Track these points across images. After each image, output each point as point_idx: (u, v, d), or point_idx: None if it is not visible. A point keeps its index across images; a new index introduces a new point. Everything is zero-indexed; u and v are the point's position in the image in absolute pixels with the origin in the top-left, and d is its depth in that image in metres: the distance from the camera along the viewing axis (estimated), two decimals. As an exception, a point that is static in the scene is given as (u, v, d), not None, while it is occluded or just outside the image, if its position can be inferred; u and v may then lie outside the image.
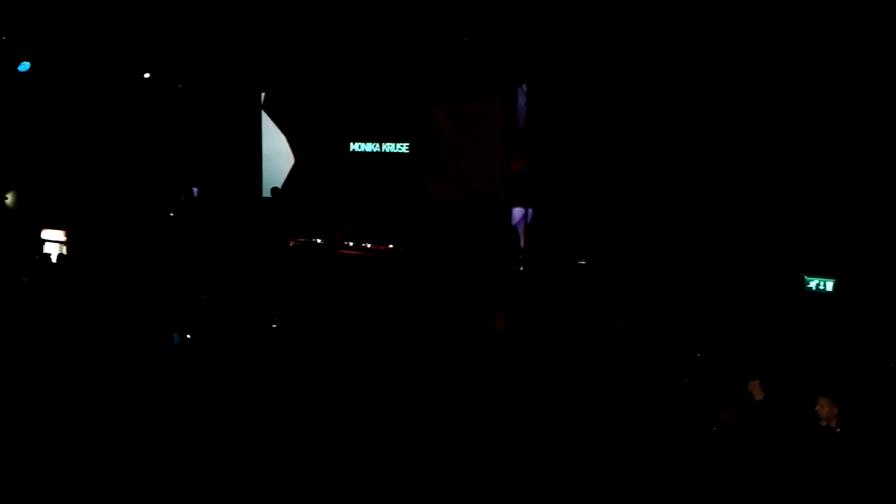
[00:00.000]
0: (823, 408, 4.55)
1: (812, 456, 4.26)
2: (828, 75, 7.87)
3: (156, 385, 5.29)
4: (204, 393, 5.18)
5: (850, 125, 7.85)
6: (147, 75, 11.87)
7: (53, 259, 9.86)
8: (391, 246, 11.10)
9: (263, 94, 12.65)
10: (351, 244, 11.30)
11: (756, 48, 8.17)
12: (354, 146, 11.84)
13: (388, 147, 11.59)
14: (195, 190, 13.02)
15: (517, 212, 10.40)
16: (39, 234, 11.57)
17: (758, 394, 4.81)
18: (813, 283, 7.80)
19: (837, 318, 7.45)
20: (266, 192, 12.49)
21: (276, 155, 12.65)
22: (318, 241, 11.57)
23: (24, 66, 10.39)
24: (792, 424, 4.76)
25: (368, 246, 11.20)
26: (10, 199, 11.60)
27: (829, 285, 7.76)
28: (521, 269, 10.11)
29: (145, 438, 4.45)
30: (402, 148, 11.48)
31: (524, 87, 10.13)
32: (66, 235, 11.41)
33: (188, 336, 6.51)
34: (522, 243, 10.30)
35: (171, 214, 12.60)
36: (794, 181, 8.20)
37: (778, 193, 8.31)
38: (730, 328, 7.25)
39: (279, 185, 12.38)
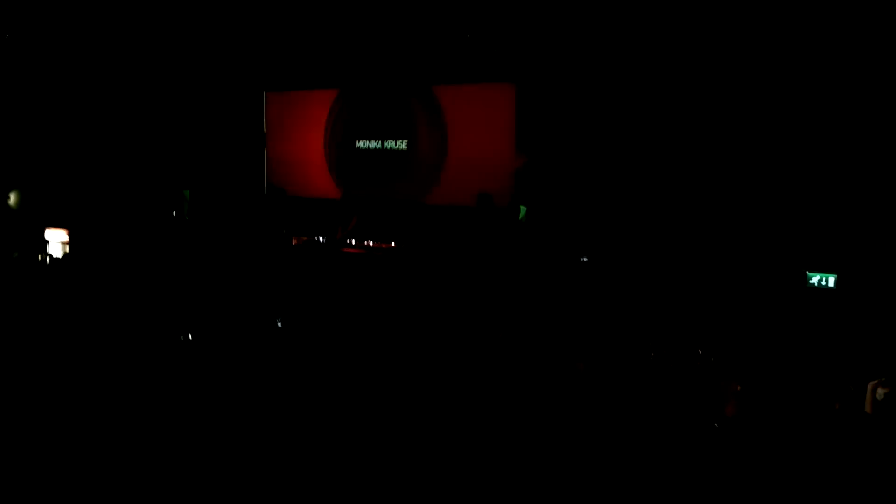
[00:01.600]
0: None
1: (812, 451, 4.27)
2: (830, 71, 7.86)
3: (160, 384, 5.30)
4: (208, 391, 5.19)
5: (851, 121, 7.84)
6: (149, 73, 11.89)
7: (57, 256, 9.89)
8: (393, 244, 11.12)
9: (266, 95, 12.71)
10: (353, 242, 11.32)
11: (760, 44, 8.17)
12: (359, 143, 11.89)
13: (390, 144, 11.62)
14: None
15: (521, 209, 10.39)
16: (42, 233, 11.61)
17: (757, 390, 4.83)
18: (815, 279, 7.80)
19: (839, 313, 7.45)
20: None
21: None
22: (321, 239, 11.59)
23: None
24: (792, 420, 4.78)
25: (371, 244, 11.23)
26: (13, 198, 11.64)
27: (832, 281, 7.75)
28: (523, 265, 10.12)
29: (148, 437, 4.46)
30: (403, 145, 11.50)
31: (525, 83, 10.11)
32: (69, 235, 11.44)
33: (189, 336, 6.52)
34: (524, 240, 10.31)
35: (174, 213, 12.61)
36: (796, 177, 8.20)
37: (780, 189, 8.30)
38: (732, 324, 7.25)
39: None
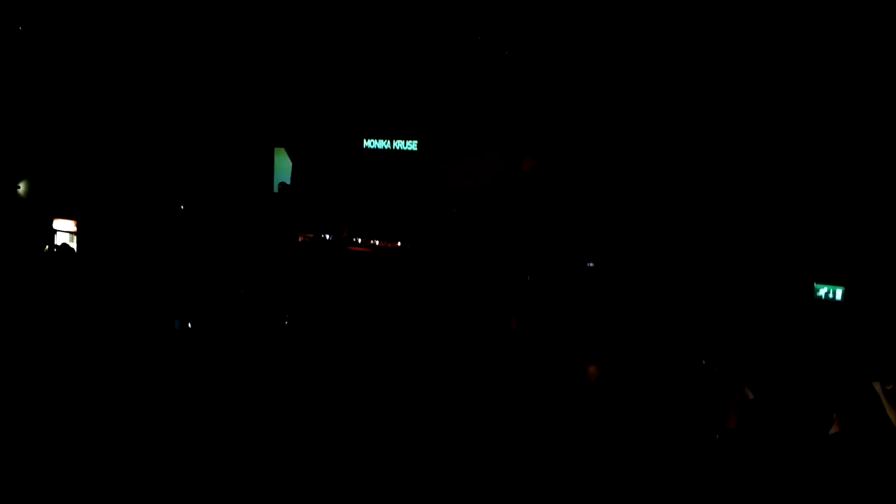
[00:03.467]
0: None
1: (818, 464, 4.22)
2: (840, 84, 7.81)
3: (163, 379, 5.31)
4: (212, 388, 5.19)
5: (861, 134, 7.79)
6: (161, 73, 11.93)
7: (67, 244, 9.90)
8: (399, 243, 11.11)
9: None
10: (359, 241, 11.31)
11: (768, 56, 8.13)
12: (367, 143, 11.88)
13: (399, 144, 11.61)
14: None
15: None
16: (51, 223, 11.65)
17: (762, 400, 4.78)
18: (822, 291, 7.75)
19: (847, 326, 7.39)
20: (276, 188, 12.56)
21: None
22: (327, 236, 11.59)
23: None
24: (797, 432, 4.73)
25: (377, 243, 11.22)
26: (22, 188, 11.69)
27: (839, 293, 7.70)
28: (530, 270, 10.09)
29: (152, 432, 4.46)
30: (412, 146, 11.48)
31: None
32: (77, 226, 11.47)
33: (193, 329, 6.53)
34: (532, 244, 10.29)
35: (182, 207, 12.64)
36: (804, 188, 8.15)
37: (788, 200, 8.26)
38: (737, 335, 7.20)
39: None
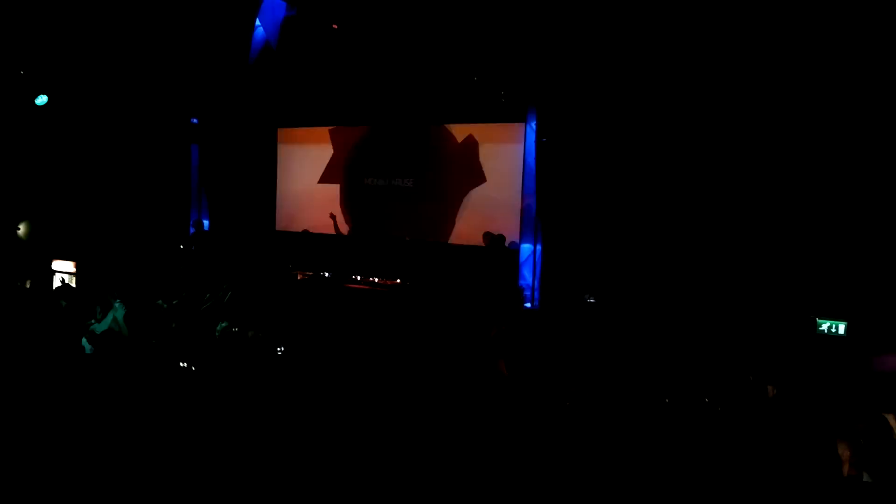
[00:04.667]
0: (841, 451, 4.46)
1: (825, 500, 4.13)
2: (848, 111, 7.82)
3: (155, 411, 5.23)
4: (201, 414, 5.12)
5: (864, 168, 7.79)
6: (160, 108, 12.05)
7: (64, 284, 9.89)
8: (398, 281, 11.08)
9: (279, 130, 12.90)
10: (359, 278, 11.29)
11: (772, 81, 8.14)
12: (368, 181, 12.01)
13: (397, 182, 11.70)
14: (205, 223, 13.10)
15: (526, 248, 10.36)
16: (50, 264, 11.65)
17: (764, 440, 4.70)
18: (825, 326, 7.68)
19: (849, 361, 7.30)
20: (279, 225, 12.71)
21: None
22: (326, 274, 11.57)
23: (42, 100, 10.54)
24: (803, 468, 4.63)
25: (376, 280, 11.19)
26: (22, 229, 11.72)
27: (842, 328, 7.63)
28: (528, 306, 10.04)
29: (139, 462, 4.40)
30: (409, 183, 11.58)
31: (534, 124, 10.17)
32: (76, 266, 11.47)
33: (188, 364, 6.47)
34: (531, 280, 10.25)
35: (181, 246, 12.66)
36: (806, 222, 8.14)
37: (790, 234, 8.23)
38: (740, 370, 7.11)
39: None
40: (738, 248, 8.55)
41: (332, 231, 11.87)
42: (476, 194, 10.99)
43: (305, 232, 12.12)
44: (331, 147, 12.39)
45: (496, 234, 10.28)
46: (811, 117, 8.03)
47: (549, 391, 5.78)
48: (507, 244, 10.29)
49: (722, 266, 8.61)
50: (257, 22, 9.53)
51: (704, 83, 8.48)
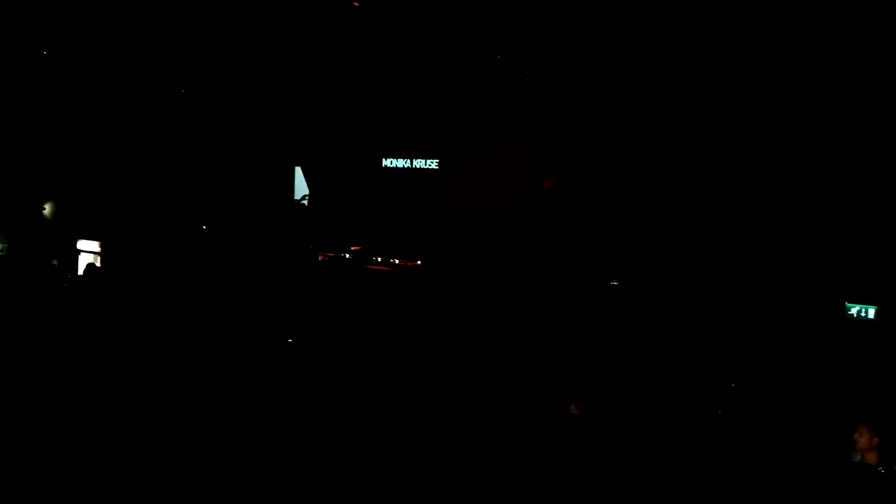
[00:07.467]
0: (862, 437, 4.40)
1: (849, 488, 4.08)
2: (874, 104, 7.65)
3: (163, 393, 5.26)
4: (211, 400, 5.15)
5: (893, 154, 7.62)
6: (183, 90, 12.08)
7: (91, 265, 10.00)
8: (419, 262, 11.05)
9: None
10: (379, 259, 11.28)
11: (797, 77, 8.00)
12: (386, 162, 11.89)
13: (419, 163, 11.59)
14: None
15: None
16: (75, 244, 11.78)
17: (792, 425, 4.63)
18: (854, 310, 7.55)
19: (879, 345, 7.19)
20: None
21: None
22: (347, 255, 11.58)
23: None
24: (830, 455, 4.57)
25: (397, 262, 11.18)
26: (47, 209, 11.85)
27: (871, 312, 7.50)
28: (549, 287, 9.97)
29: (148, 447, 4.44)
30: (433, 164, 11.46)
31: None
32: (101, 246, 11.59)
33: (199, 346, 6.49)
34: (553, 261, 10.17)
35: (204, 227, 12.72)
36: (835, 206, 7.98)
37: (819, 218, 8.09)
38: (768, 356, 7.03)
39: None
40: (767, 233, 8.41)
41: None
42: (496, 176, 10.89)
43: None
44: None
45: (510, 212, 10.20)
46: (842, 105, 7.87)
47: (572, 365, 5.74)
48: (522, 224, 10.21)
49: (749, 251, 8.48)
50: None
51: (737, 74, 8.33)
